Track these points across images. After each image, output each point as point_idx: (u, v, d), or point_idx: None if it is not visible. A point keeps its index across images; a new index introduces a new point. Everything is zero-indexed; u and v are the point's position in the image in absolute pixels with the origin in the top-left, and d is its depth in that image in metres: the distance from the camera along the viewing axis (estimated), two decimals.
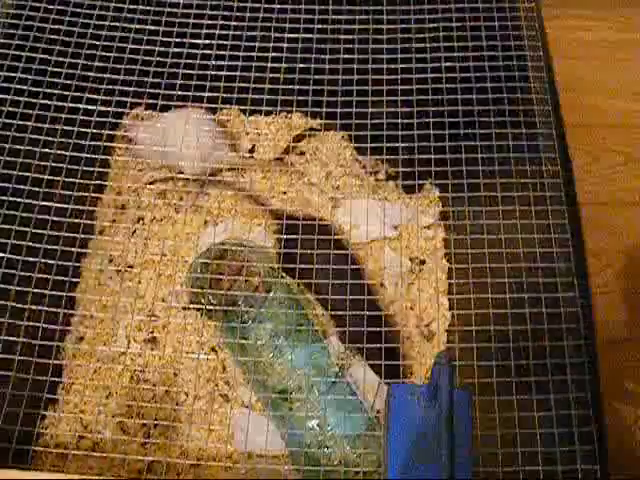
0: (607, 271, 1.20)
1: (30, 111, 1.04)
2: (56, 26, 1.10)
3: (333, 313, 1.06)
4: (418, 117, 1.04)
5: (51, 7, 1.12)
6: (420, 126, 1.04)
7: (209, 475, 1.01)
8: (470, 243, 0.98)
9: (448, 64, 1.08)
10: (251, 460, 1.03)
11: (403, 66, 1.08)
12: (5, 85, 1.05)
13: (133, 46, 1.10)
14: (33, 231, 0.96)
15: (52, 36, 1.10)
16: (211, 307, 1.07)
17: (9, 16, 1.12)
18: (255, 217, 1.25)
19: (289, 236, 1.01)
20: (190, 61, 1.10)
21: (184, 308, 1.15)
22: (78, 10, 1.12)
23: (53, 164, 1.01)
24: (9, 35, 1.10)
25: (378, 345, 0.93)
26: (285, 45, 1.11)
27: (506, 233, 0.97)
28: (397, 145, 1.03)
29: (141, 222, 1.25)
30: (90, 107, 1.05)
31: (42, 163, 1.00)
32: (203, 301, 1.08)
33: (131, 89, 1.07)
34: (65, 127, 1.04)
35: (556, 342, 0.89)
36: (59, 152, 1.02)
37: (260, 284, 1.11)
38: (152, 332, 1.16)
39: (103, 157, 1.05)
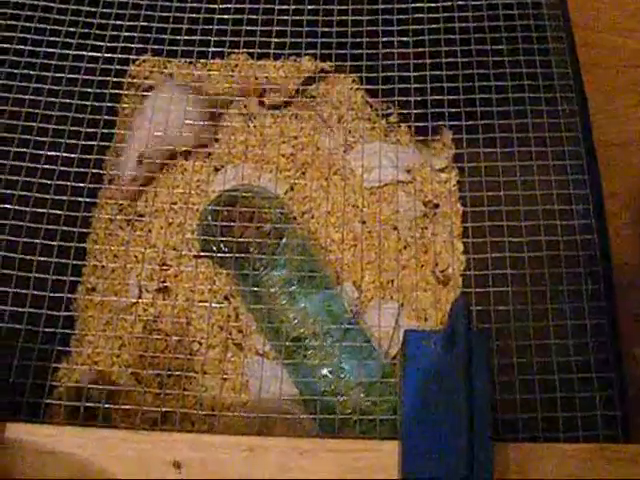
0: (624, 213, 1.19)
1: (34, 60, 1.02)
2: None
3: None
4: (430, 57, 1.02)
5: None
6: (432, 67, 1.02)
7: (223, 424, 1.00)
8: (485, 185, 0.96)
9: (460, 2, 1.06)
10: (265, 408, 1.02)
11: (414, 5, 1.06)
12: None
13: None
14: (40, 181, 0.95)
15: None
16: (223, 255, 1.05)
17: None
18: (266, 163, 1.24)
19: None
20: (197, 5, 1.08)
21: (195, 256, 1.14)
22: None
23: (59, 113, 0.99)
24: None
25: None
26: None
27: (522, 175, 0.95)
28: (409, 87, 1.01)
29: None
30: (96, 54, 1.03)
31: (48, 112, 0.99)
32: (215, 249, 1.06)
33: (136, 35, 1.05)
34: (70, 75, 1.02)
35: (574, 286, 0.87)
36: (65, 100, 1.00)
37: (272, 231, 1.09)
38: (164, 281, 1.15)
39: (110, 104, 1.04)
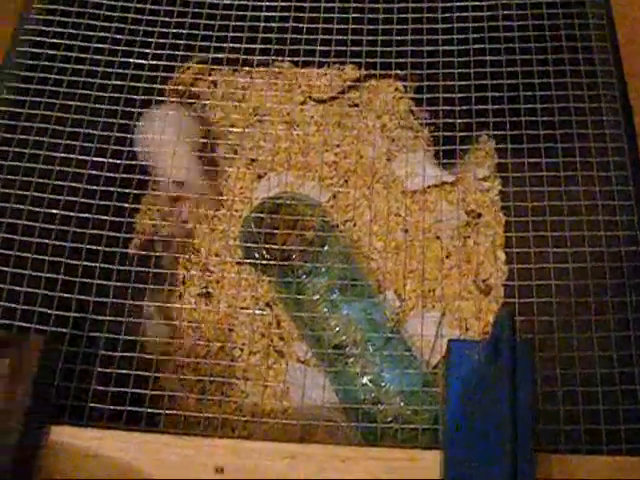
0: None
1: (81, 66, 1.04)
2: None
3: None
4: (475, 67, 1.02)
5: None
6: (477, 76, 1.02)
7: (264, 431, 1.00)
8: (529, 195, 0.96)
9: (505, 12, 1.05)
10: (306, 415, 1.02)
11: (459, 14, 1.06)
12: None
13: None
14: (85, 187, 0.96)
15: None
16: (265, 262, 1.06)
17: None
18: (309, 170, 1.24)
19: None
20: (242, 13, 1.08)
21: (238, 263, 1.14)
22: None
23: (104, 119, 1.00)
24: None
25: None
26: None
27: (566, 185, 0.95)
28: (453, 96, 1.01)
29: None
30: (142, 61, 1.04)
31: (94, 118, 1.00)
32: (257, 256, 1.07)
33: (182, 42, 1.06)
34: (116, 82, 1.03)
35: (618, 297, 0.87)
36: (111, 107, 1.01)
37: (314, 238, 1.10)
38: (206, 287, 1.15)
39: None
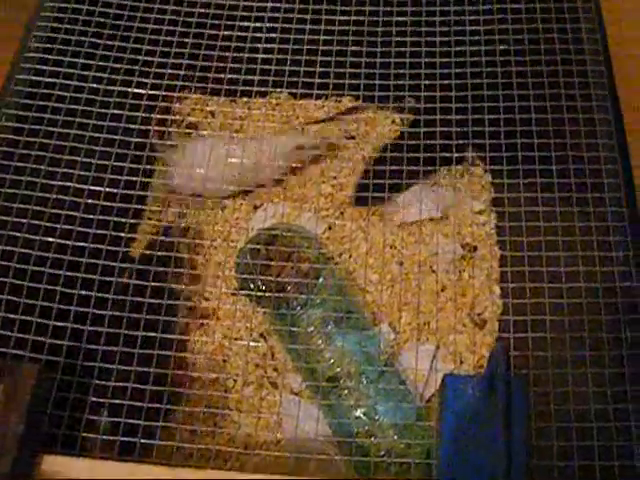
0: None
1: (79, 94, 1.04)
2: (105, 9, 1.10)
3: None
4: (472, 101, 1.03)
5: None
6: (474, 110, 1.02)
7: (257, 463, 1.00)
8: (525, 230, 0.96)
9: (503, 47, 1.06)
10: (299, 448, 1.02)
11: (457, 49, 1.06)
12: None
13: (182, 29, 1.10)
14: (82, 216, 0.96)
15: (101, 19, 1.10)
16: (260, 293, 1.06)
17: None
18: (305, 202, 1.24)
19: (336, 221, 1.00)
20: (240, 44, 1.09)
21: (233, 294, 1.14)
22: None
23: (101, 148, 1.00)
24: (58, 19, 1.10)
25: None
26: (336, 28, 1.09)
27: (562, 220, 0.95)
28: (450, 130, 1.02)
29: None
30: (140, 91, 1.05)
31: (91, 146, 1.00)
32: (252, 287, 1.07)
33: (181, 72, 1.06)
34: (114, 111, 1.03)
35: (613, 333, 0.87)
36: (109, 136, 1.02)
37: (310, 270, 1.10)
38: (202, 317, 1.15)
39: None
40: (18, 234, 0.93)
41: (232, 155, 1.13)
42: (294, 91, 1.06)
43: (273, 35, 1.09)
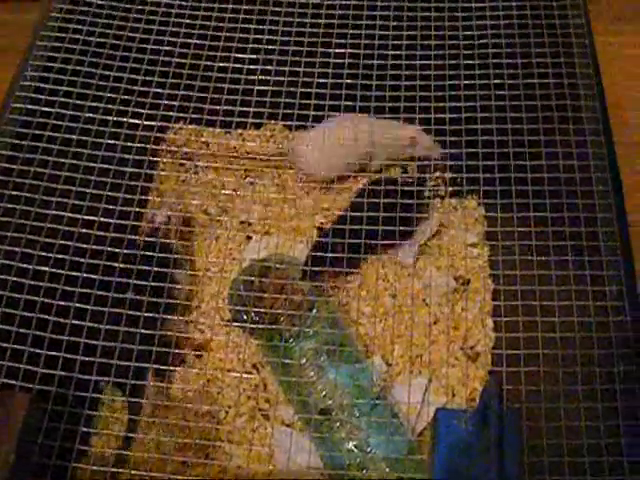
0: None
1: (75, 124, 1.04)
2: (102, 39, 1.11)
3: None
4: (466, 135, 1.03)
5: (98, 21, 1.13)
6: (468, 144, 1.03)
7: None
8: (518, 264, 0.96)
9: (497, 81, 1.07)
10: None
11: (451, 82, 1.07)
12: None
13: (179, 60, 1.10)
14: (76, 245, 0.96)
15: (97, 49, 1.10)
16: (254, 325, 1.06)
17: (55, 29, 1.13)
18: (299, 233, 1.24)
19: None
20: (236, 76, 1.09)
21: (226, 325, 1.14)
22: (123, 24, 1.13)
23: (97, 178, 1.01)
24: (56, 48, 1.10)
25: None
26: (332, 60, 1.10)
27: (555, 255, 0.95)
28: (445, 163, 1.02)
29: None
30: (136, 121, 1.05)
31: (87, 176, 1.00)
32: (246, 318, 1.07)
33: (176, 104, 1.07)
34: (109, 141, 1.04)
35: (607, 368, 0.87)
36: (104, 165, 1.02)
37: (303, 302, 1.09)
38: (194, 348, 1.15)
39: (147, 171, 1.05)
40: (12, 262, 0.93)
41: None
42: (289, 123, 1.07)
43: (269, 67, 1.10)
